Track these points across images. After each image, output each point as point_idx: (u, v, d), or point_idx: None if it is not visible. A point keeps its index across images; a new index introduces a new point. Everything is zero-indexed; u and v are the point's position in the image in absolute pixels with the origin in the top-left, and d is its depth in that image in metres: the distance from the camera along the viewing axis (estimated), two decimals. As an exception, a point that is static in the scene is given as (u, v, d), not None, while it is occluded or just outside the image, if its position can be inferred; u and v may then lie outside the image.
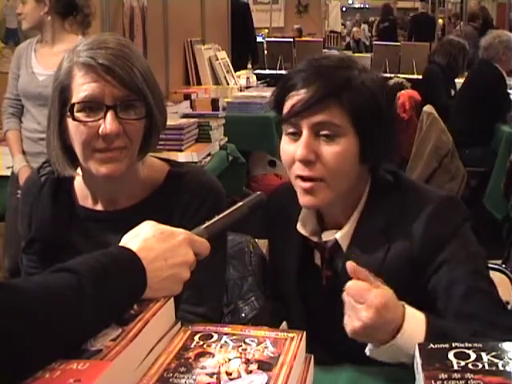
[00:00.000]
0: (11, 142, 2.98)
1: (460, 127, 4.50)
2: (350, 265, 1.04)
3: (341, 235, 1.27)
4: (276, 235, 1.44)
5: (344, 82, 1.20)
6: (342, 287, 1.06)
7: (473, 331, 1.06)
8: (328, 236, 1.30)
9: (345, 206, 1.29)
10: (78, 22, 2.91)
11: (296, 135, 1.23)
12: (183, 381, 0.83)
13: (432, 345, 0.86)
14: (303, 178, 1.23)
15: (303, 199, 1.24)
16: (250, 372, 0.85)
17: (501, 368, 0.80)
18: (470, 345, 0.86)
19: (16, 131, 2.98)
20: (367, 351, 1.08)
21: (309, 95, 1.20)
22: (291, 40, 7.74)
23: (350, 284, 1.04)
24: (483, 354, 0.83)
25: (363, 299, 1.01)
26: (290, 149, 1.24)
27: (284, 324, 1.44)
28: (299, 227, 1.33)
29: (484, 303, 1.16)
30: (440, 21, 12.34)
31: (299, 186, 1.24)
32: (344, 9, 19.82)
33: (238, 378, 0.84)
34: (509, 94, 4.80)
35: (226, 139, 3.80)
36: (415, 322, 1.04)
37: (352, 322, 1.03)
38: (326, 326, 1.25)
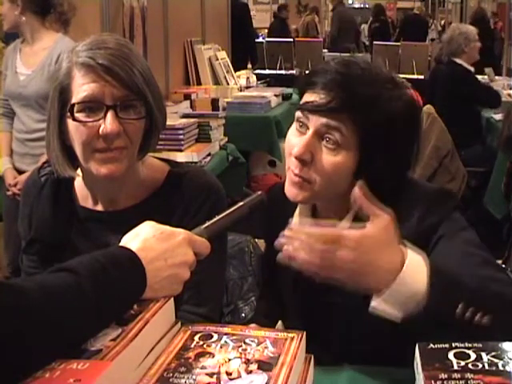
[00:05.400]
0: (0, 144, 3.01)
1: (451, 130, 4.49)
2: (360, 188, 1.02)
3: None
4: (272, 233, 1.43)
5: (365, 101, 1.15)
6: (336, 288, 1.05)
7: (480, 276, 1.06)
8: None
9: (338, 209, 1.27)
10: (56, 20, 2.92)
11: (303, 128, 1.21)
12: (183, 381, 0.83)
13: (432, 345, 0.86)
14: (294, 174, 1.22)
15: (288, 189, 1.24)
16: (250, 372, 0.85)
17: (501, 368, 0.80)
18: (469, 345, 0.86)
19: (6, 132, 3.01)
20: (370, 309, 1.01)
21: (325, 101, 1.17)
22: (291, 40, 7.74)
23: (321, 232, 1.01)
24: (483, 354, 0.83)
25: (337, 244, 0.98)
26: (294, 141, 1.22)
27: (279, 324, 1.44)
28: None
29: (480, 263, 1.12)
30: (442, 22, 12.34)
31: (289, 176, 1.23)
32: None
33: (237, 378, 0.84)
34: (481, 83, 4.81)
35: (226, 139, 3.80)
36: (414, 267, 1.00)
37: (336, 271, 1.01)
38: (323, 326, 1.25)
